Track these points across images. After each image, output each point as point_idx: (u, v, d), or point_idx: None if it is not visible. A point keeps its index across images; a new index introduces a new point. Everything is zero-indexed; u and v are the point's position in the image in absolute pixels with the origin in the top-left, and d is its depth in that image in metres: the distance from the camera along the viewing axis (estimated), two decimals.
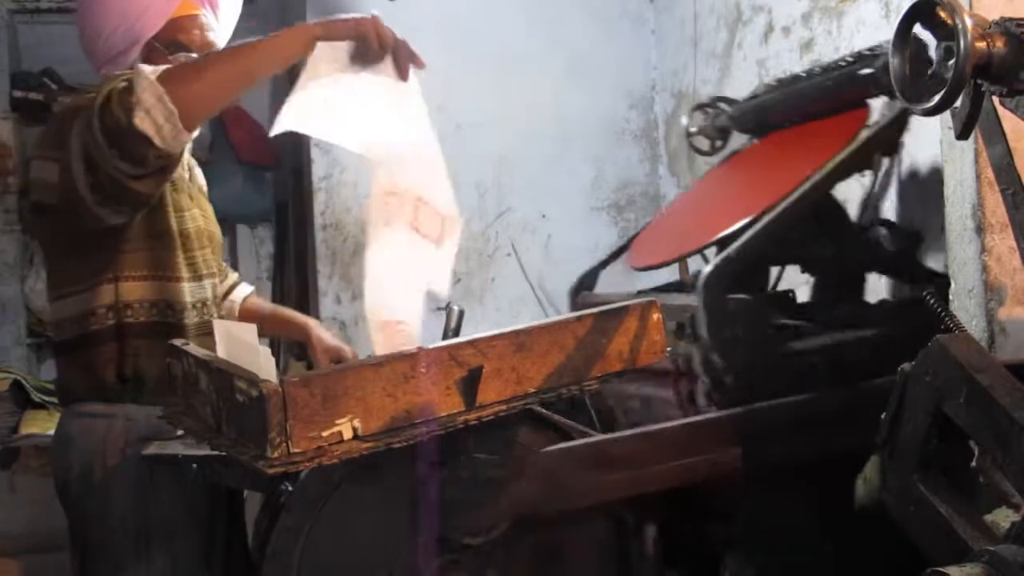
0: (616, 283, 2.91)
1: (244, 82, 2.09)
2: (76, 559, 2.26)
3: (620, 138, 4.39)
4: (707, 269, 2.27)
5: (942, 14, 1.54)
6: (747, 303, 2.27)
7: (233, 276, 2.67)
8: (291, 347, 4.86)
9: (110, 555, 2.18)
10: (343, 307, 4.17)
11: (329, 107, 1.99)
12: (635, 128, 4.41)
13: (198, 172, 2.53)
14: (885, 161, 2.74)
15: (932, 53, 1.58)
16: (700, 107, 3.20)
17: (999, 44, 1.52)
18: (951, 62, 1.52)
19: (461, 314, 2.48)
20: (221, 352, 1.80)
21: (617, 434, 2.13)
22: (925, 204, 2.70)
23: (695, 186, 3.10)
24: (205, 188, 2.55)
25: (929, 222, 2.65)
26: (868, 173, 2.69)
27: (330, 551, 1.86)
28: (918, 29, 1.61)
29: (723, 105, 3.13)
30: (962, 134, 1.65)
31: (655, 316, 1.87)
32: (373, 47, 2.02)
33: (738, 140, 3.10)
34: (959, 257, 2.29)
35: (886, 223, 2.77)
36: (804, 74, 2.81)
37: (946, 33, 1.54)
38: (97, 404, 2.21)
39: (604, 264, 2.94)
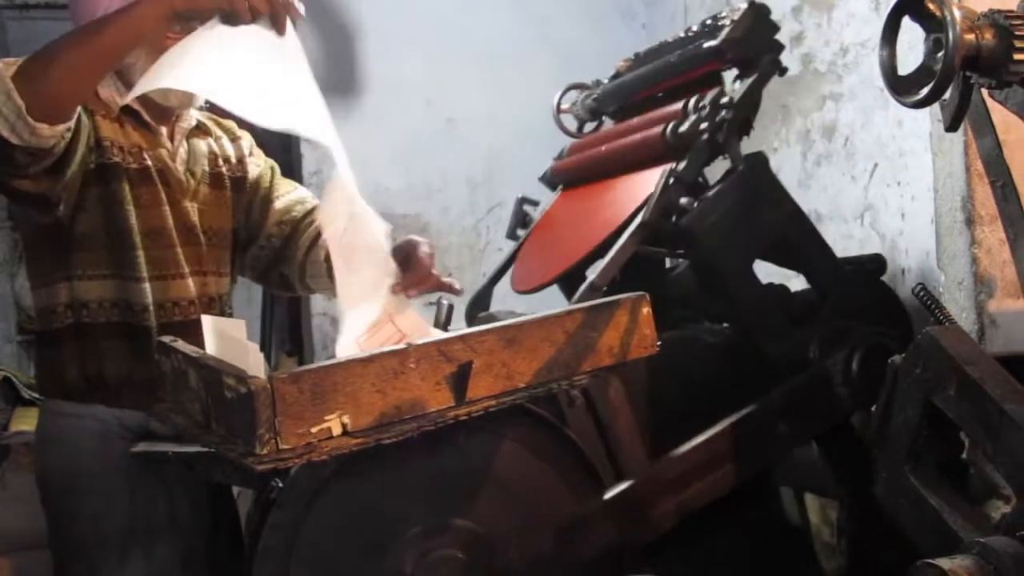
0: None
1: (103, 64, 1.94)
2: (53, 559, 2.24)
3: None
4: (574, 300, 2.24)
5: (931, 6, 1.54)
6: None
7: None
8: (282, 343, 4.85)
9: (83, 556, 2.15)
10: (333, 303, 4.15)
11: (205, 61, 1.80)
12: None
13: (221, 144, 2.38)
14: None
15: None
16: (574, 87, 3.07)
17: (988, 36, 1.52)
18: (940, 54, 1.51)
19: (451, 309, 2.46)
20: (210, 348, 1.79)
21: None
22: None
23: (565, 193, 2.98)
24: (243, 166, 2.40)
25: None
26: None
27: (321, 547, 1.85)
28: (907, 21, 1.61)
29: (599, 88, 3.00)
30: (951, 126, 1.65)
31: (645, 310, 1.86)
32: (244, 20, 1.82)
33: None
34: (949, 249, 2.30)
35: None
36: (657, 49, 2.74)
37: (935, 25, 1.54)
38: (68, 403, 2.18)
39: (493, 282, 2.88)
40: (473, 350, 1.69)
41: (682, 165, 2.26)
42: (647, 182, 2.35)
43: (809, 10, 3.23)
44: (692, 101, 2.34)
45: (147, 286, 2.17)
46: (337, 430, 1.57)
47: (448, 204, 4.23)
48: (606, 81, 2.96)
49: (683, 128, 2.29)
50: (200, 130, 2.35)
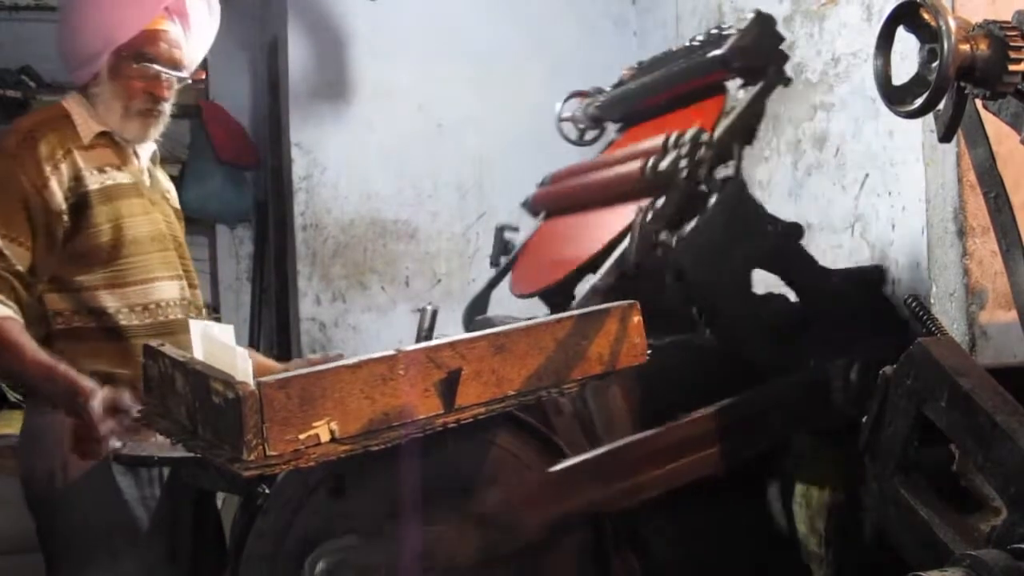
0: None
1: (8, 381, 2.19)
2: (44, 560, 2.24)
3: None
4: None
5: (926, 16, 1.53)
6: None
7: None
8: (270, 348, 4.83)
9: (74, 556, 2.16)
10: (323, 308, 4.15)
11: None
12: None
13: (162, 177, 2.58)
14: None
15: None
16: (576, 94, 3.08)
17: (983, 46, 1.51)
18: (935, 64, 1.51)
19: (435, 314, 2.46)
20: (198, 353, 1.78)
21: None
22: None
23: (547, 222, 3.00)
24: (171, 193, 2.59)
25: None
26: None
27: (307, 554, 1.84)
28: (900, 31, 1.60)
29: (601, 95, 3.02)
30: (945, 136, 1.64)
31: (635, 319, 1.85)
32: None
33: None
34: (940, 260, 2.29)
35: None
36: (661, 57, 2.75)
37: (929, 35, 1.53)
38: None
39: (492, 286, 2.89)
40: (462, 357, 1.69)
41: (660, 202, 2.26)
42: (628, 217, 2.36)
43: (801, 20, 3.23)
44: (672, 138, 2.34)
45: (131, 290, 2.30)
46: (325, 436, 1.56)
47: (438, 210, 4.22)
48: (607, 88, 2.95)
49: (662, 165, 2.28)
50: (152, 161, 2.53)
